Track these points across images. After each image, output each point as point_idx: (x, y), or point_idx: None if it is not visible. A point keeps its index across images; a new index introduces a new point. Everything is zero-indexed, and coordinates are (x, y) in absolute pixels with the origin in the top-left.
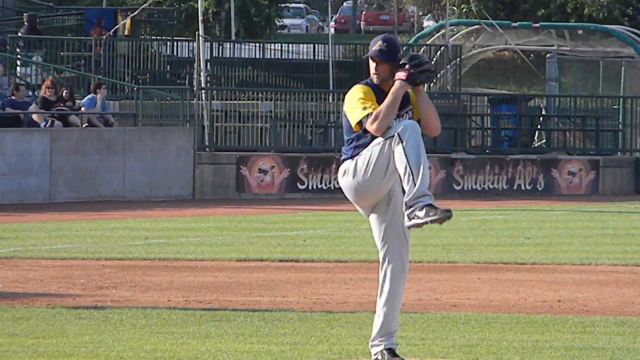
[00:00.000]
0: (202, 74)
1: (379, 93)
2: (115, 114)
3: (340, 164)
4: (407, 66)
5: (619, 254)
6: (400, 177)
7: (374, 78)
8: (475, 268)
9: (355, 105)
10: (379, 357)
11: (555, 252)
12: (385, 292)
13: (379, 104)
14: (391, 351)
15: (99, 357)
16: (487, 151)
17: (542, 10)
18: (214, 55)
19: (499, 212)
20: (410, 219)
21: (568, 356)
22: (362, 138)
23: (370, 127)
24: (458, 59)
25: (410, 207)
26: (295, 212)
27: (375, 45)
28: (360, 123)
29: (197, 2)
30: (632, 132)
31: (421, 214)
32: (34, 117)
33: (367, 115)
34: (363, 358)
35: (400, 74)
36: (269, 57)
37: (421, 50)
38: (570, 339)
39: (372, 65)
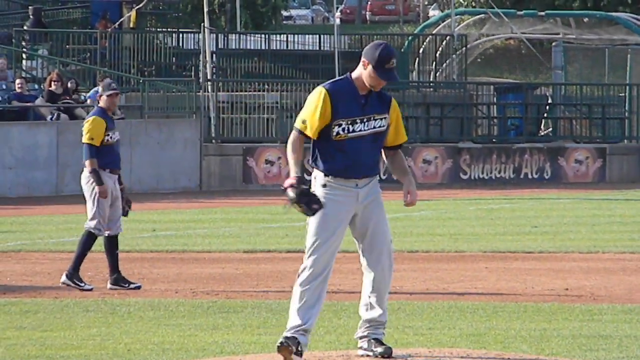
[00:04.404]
0: (207, 65)
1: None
2: (121, 106)
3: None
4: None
5: (626, 241)
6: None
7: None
8: (483, 257)
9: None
10: (364, 346)
11: (563, 241)
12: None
13: (348, 108)
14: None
15: (107, 350)
16: (494, 140)
17: None
18: (219, 46)
19: (506, 201)
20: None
21: (575, 344)
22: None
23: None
24: (464, 48)
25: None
26: None
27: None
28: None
29: None
30: (638, 119)
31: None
32: (40, 110)
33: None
34: None
35: (287, 182)
36: (274, 48)
37: (426, 40)
38: (578, 327)
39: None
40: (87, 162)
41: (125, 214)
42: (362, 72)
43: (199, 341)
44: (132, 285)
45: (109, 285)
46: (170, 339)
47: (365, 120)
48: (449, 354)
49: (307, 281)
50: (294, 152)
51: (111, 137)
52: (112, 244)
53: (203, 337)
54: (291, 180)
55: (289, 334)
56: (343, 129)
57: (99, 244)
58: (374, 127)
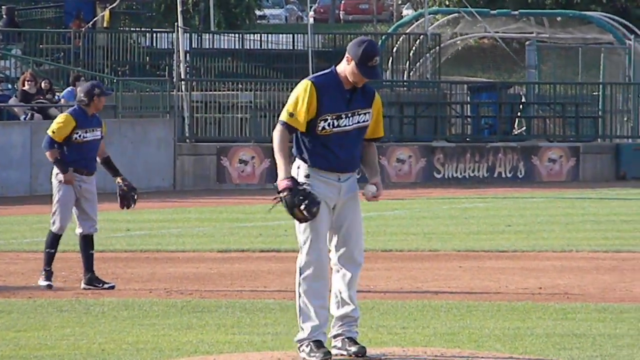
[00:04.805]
0: (181, 65)
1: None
2: None
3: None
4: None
5: (599, 240)
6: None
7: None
8: (456, 256)
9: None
10: (338, 345)
11: (536, 239)
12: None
13: (333, 103)
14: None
15: (81, 350)
16: (467, 139)
17: None
18: (193, 46)
19: (479, 200)
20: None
21: (549, 343)
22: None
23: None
24: (437, 48)
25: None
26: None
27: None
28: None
29: None
30: (612, 118)
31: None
32: (14, 109)
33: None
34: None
35: (283, 184)
36: (248, 47)
37: (400, 39)
38: (552, 325)
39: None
40: (47, 154)
41: (134, 202)
42: (346, 67)
43: (173, 341)
44: (106, 285)
45: (82, 285)
46: (145, 339)
47: (350, 115)
48: (422, 353)
49: (312, 277)
50: (281, 150)
51: (80, 136)
52: (86, 243)
53: (177, 336)
54: (286, 182)
55: (313, 338)
56: (329, 124)
57: (74, 244)
58: (358, 122)
